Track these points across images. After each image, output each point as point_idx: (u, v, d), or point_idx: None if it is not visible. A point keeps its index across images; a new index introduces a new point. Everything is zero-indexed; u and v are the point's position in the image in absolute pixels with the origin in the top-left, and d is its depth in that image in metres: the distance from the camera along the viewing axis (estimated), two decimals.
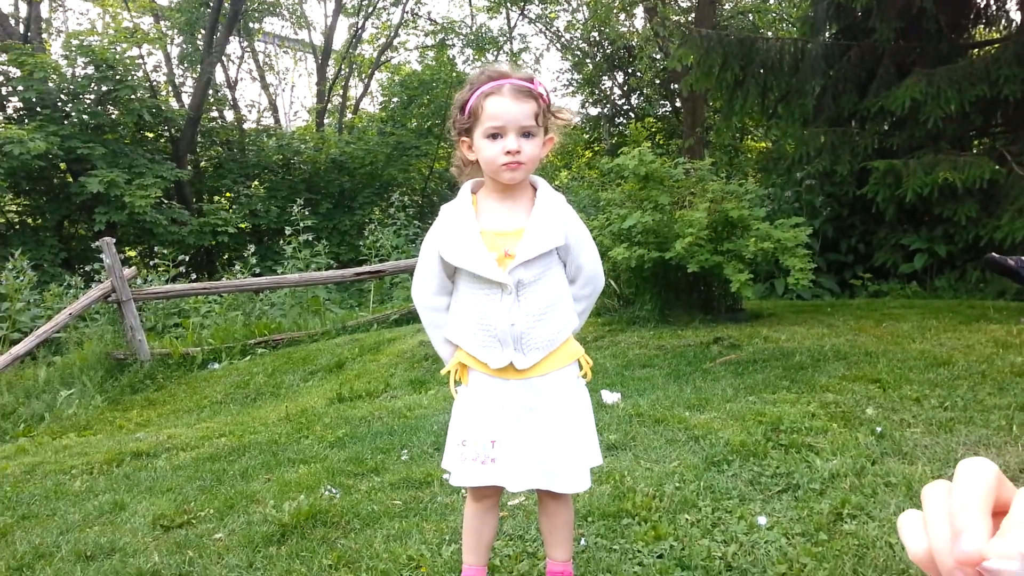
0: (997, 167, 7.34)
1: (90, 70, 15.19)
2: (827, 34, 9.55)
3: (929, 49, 8.45)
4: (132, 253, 15.37)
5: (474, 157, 1.83)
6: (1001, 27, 9.28)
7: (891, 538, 2.17)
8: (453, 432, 1.92)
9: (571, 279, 1.92)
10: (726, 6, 19.56)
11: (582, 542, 2.36)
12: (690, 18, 17.03)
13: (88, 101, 15.23)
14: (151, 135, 17.25)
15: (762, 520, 2.39)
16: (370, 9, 23.03)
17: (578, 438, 1.86)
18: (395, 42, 23.77)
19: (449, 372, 1.89)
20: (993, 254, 5.19)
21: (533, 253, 1.79)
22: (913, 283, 8.00)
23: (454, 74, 20.21)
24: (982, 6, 9.05)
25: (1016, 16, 9.00)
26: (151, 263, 11.30)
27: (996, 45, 8.31)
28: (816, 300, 7.84)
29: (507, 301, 1.80)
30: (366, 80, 24.54)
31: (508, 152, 1.74)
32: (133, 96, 15.34)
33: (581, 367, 1.91)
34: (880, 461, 2.76)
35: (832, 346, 4.73)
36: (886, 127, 8.44)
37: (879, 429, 3.06)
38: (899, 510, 2.34)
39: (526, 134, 1.76)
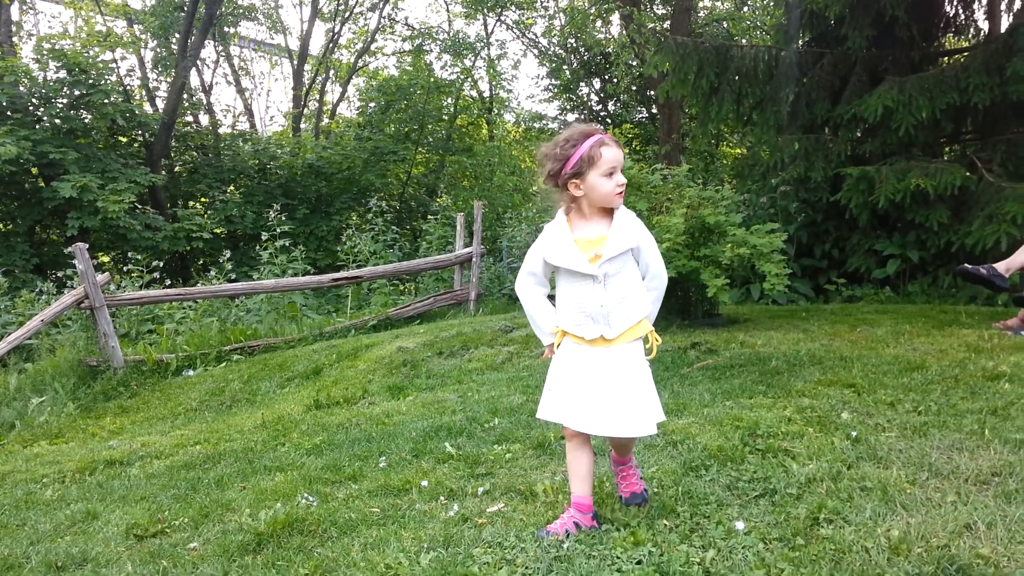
0: (968, 174, 7.47)
1: (62, 74, 15.02)
2: (800, 42, 9.67)
3: (901, 57, 8.59)
4: (105, 259, 15.19)
5: (580, 193, 2.44)
6: (970, 36, 9.45)
7: (867, 543, 2.19)
8: (547, 383, 2.54)
9: (642, 275, 2.55)
10: (701, 14, 19.75)
11: (563, 546, 2.36)
12: (666, 25, 17.16)
13: (60, 105, 15.05)
14: (124, 140, 17.07)
15: (740, 525, 2.40)
16: (347, 14, 22.98)
17: (641, 394, 2.45)
18: (372, 47, 23.72)
19: (557, 336, 2.53)
20: (965, 265, 5.26)
21: (615, 252, 2.44)
22: (886, 288, 8.11)
23: (432, 79, 20.20)
24: (952, 15, 9.21)
25: (984, 25, 9.17)
26: (125, 269, 11.16)
27: (965, 53, 8.47)
28: (791, 305, 7.92)
29: (598, 289, 2.45)
30: (343, 85, 24.46)
31: (619, 184, 2.42)
32: (106, 100, 15.19)
33: (648, 341, 2.52)
34: (856, 465, 2.78)
35: (807, 351, 4.78)
36: (859, 134, 8.56)
37: (854, 433, 3.09)
38: (875, 515, 2.36)
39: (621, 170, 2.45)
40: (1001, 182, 7.33)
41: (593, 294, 2.46)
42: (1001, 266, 5.10)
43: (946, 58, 9.08)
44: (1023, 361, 4.06)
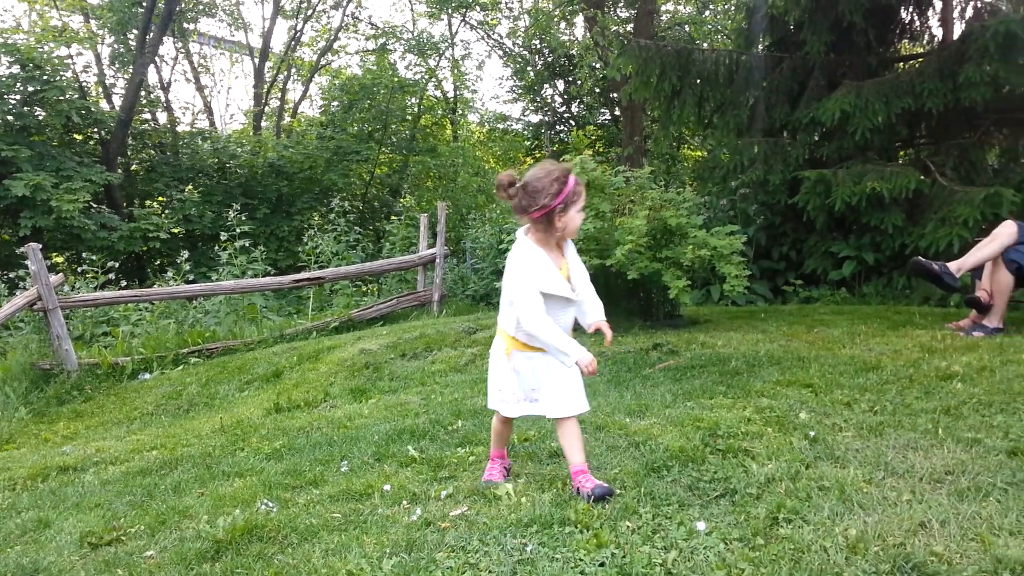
0: (922, 177, 7.63)
1: (15, 69, 14.63)
2: (761, 46, 9.81)
3: (858, 62, 8.76)
4: (59, 259, 14.82)
5: (562, 226, 2.72)
6: (924, 42, 9.68)
7: (825, 542, 2.22)
8: (494, 383, 2.94)
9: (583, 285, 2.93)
10: (663, 17, 19.93)
11: (527, 549, 2.36)
12: (629, 28, 17.29)
13: (13, 102, 14.64)
14: (80, 137, 16.68)
15: (701, 525, 2.42)
16: (309, 12, 22.74)
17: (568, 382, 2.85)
18: (335, 45, 23.52)
19: (504, 351, 2.88)
20: (919, 258, 5.38)
21: (582, 278, 2.87)
22: (842, 289, 8.26)
23: (395, 79, 20.07)
24: (907, 21, 9.41)
25: (938, 32, 9.40)
26: (79, 269, 10.90)
27: (920, 59, 8.66)
28: (750, 306, 8.03)
29: (571, 310, 2.87)
30: (305, 83, 24.21)
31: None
32: (61, 97, 14.83)
33: None
34: (814, 465, 2.83)
35: (766, 351, 4.84)
36: (816, 138, 8.70)
37: (812, 433, 3.14)
38: (833, 514, 2.40)
39: None
40: (953, 186, 7.51)
41: (569, 314, 2.85)
42: (953, 266, 5.23)
43: (902, 64, 9.28)
44: (975, 361, 4.16)
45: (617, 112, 20.41)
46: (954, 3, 9.10)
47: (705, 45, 17.21)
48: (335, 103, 20.79)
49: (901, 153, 9.34)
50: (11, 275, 11.15)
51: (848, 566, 2.09)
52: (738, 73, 9.15)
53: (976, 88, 7.31)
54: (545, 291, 2.73)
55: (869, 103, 7.80)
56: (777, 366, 4.44)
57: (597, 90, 20.24)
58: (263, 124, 22.68)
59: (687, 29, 19.63)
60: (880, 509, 2.42)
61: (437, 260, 9.93)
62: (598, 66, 16.63)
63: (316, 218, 16.89)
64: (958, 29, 8.86)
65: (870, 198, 7.50)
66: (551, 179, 2.69)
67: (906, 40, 9.76)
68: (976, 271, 5.35)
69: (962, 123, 8.29)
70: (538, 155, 22.70)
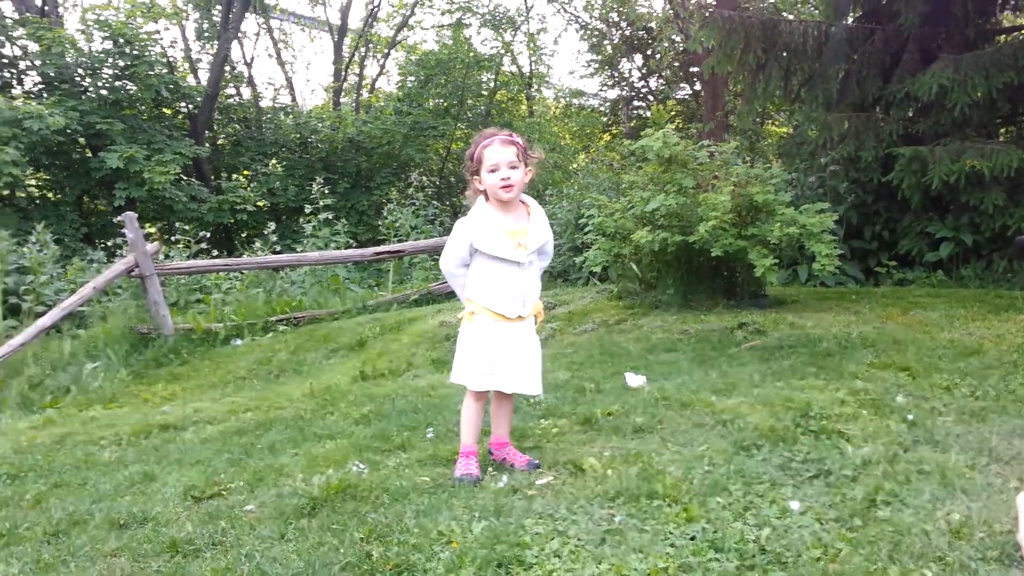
0: None
1: (107, 45, 15.18)
2: (851, 17, 9.42)
3: (955, 34, 8.32)
4: (152, 229, 15.46)
5: (483, 187, 2.87)
6: None
7: (926, 525, 2.16)
8: (465, 355, 2.92)
9: (540, 256, 3.00)
10: None
11: (616, 519, 2.37)
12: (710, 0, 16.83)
13: (106, 76, 15.23)
14: (169, 111, 17.27)
15: (794, 505, 2.38)
16: None
17: (538, 359, 3.00)
18: (411, 21, 23.63)
19: (467, 316, 2.94)
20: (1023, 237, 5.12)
21: (537, 244, 2.92)
22: (938, 272, 7.92)
23: (471, 54, 20.06)
24: None
25: None
26: (172, 239, 11.35)
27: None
28: (840, 287, 7.79)
29: (521, 274, 2.88)
30: (382, 59, 24.44)
31: (503, 179, 2.81)
32: (151, 72, 15.34)
33: (538, 318, 3.05)
34: (912, 449, 2.75)
35: (859, 333, 4.70)
36: (911, 113, 8.33)
37: (911, 417, 3.05)
38: (934, 498, 2.33)
39: (512, 167, 2.81)
40: None
41: (518, 279, 2.88)
42: None
43: (1003, 36, 8.78)
44: None
45: (697, 87, 19.96)
46: None
47: (791, 16, 16.64)
48: (411, 78, 20.94)
49: (1002, 130, 8.87)
50: (108, 243, 11.70)
51: (951, 550, 2.03)
52: (827, 45, 8.80)
53: None
54: (479, 248, 2.84)
55: (968, 77, 7.41)
56: (871, 348, 4.31)
57: (676, 64, 19.81)
58: (342, 99, 23.03)
59: (772, 0, 18.99)
60: (985, 495, 2.34)
61: None
62: (678, 39, 16.28)
63: (394, 193, 17.13)
64: None
65: (969, 176, 7.16)
66: (472, 146, 2.90)
67: (1008, 11, 9.23)
68: None
69: None
70: (615, 131, 22.43)
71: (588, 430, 3.37)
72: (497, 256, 2.83)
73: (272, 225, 11.45)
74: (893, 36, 8.60)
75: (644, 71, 22.20)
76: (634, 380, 4.06)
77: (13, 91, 14.87)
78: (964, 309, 5.39)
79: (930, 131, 7.95)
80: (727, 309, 5.93)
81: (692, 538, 2.25)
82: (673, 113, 21.52)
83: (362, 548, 2.33)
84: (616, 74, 22.42)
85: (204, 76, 18.78)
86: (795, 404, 3.29)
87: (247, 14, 19.01)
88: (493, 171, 2.81)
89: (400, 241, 11.48)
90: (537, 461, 2.99)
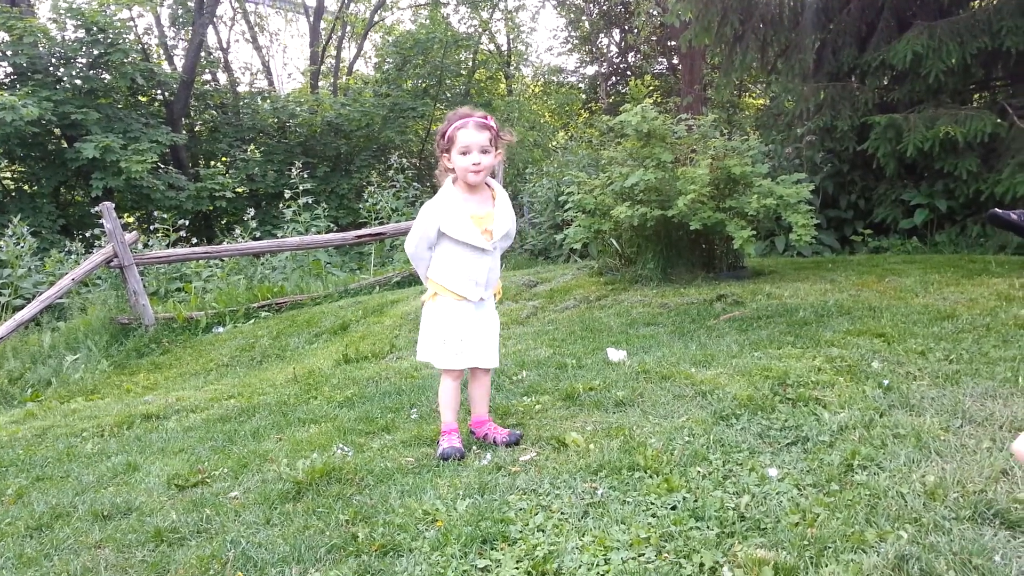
0: (998, 120, 7.29)
1: (80, 33, 14.94)
2: None
3: (930, 1, 8.34)
4: (130, 219, 15.31)
5: (452, 167, 2.87)
6: None
7: (902, 488, 2.20)
8: (432, 335, 2.98)
9: (503, 240, 3.03)
10: None
11: (598, 492, 2.39)
12: None
13: (80, 65, 15.00)
14: (145, 99, 17.05)
15: (773, 472, 2.42)
16: None
17: (496, 334, 3.09)
18: (388, 1, 23.37)
19: (430, 296, 3.00)
20: (996, 210, 5.17)
21: (503, 232, 2.96)
22: (913, 239, 8.00)
23: (449, 34, 19.90)
24: None
25: None
26: (150, 228, 11.26)
27: None
28: (816, 257, 7.85)
29: (486, 259, 2.94)
30: (359, 41, 24.20)
31: (474, 164, 2.82)
32: (125, 60, 15.12)
33: (496, 295, 3.14)
34: (888, 413, 2.79)
35: (835, 302, 4.75)
36: (886, 81, 8.37)
37: (886, 382, 3.09)
38: (909, 461, 2.37)
39: (484, 151, 2.82)
40: None
41: (482, 264, 2.93)
42: None
43: (977, 1, 8.81)
44: None
45: (675, 61, 19.92)
46: None
47: None
48: (389, 60, 20.76)
49: (976, 96, 8.93)
50: (86, 234, 11.58)
51: (927, 511, 2.07)
52: (803, 15, 8.81)
53: None
54: (446, 232, 2.86)
55: (942, 43, 7.44)
56: (847, 316, 4.36)
57: (654, 38, 19.75)
58: (320, 83, 22.81)
59: None
60: (959, 456, 2.38)
61: None
62: (655, 13, 16.21)
63: (375, 175, 17.03)
64: None
65: (943, 143, 7.21)
66: (445, 123, 2.88)
67: None
68: None
69: None
70: (594, 107, 22.37)
71: (570, 405, 3.39)
72: (463, 242, 2.86)
73: (252, 211, 11.36)
74: (869, 4, 8.61)
75: (622, 46, 22.13)
76: (615, 355, 4.09)
77: None
78: (938, 275, 5.46)
79: (905, 99, 7.99)
80: (706, 282, 5.97)
81: (673, 508, 2.27)
82: (651, 88, 21.48)
83: (347, 530, 2.34)
84: (594, 50, 22.34)
85: (180, 62, 18.54)
86: (773, 373, 3.33)
87: None
88: (464, 153, 2.81)
89: (381, 224, 11.44)
90: (519, 431, 3.04)
